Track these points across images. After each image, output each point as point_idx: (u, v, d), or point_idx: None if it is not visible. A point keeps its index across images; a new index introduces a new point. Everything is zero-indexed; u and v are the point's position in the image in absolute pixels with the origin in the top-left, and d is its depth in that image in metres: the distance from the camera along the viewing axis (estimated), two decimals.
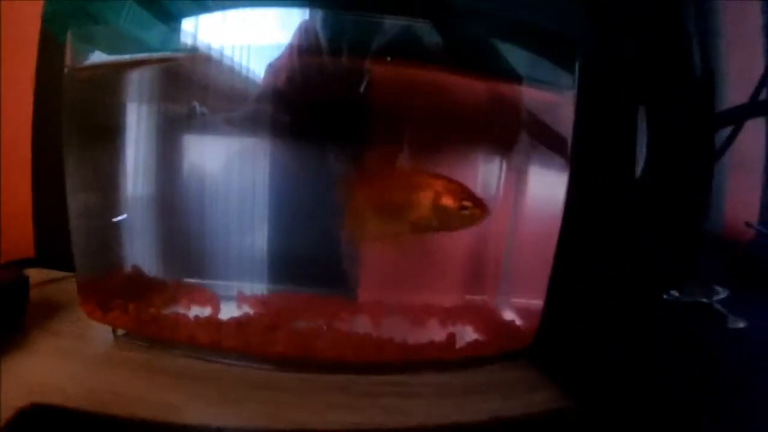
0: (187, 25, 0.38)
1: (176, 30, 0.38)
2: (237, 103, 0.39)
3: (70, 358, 0.34)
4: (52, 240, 0.57)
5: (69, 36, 0.39)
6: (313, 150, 0.42)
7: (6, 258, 0.54)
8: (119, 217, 0.43)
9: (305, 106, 0.40)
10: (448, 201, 0.35)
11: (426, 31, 0.37)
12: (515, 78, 0.39)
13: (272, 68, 0.38)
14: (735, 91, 0.57)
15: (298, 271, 0.42)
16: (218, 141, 0.43)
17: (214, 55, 0.38)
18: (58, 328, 0.38)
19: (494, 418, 0.28)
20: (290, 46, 0.37)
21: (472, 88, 0.41)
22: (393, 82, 0.40)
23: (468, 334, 0.38)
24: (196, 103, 0.39)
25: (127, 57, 0.40)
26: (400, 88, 0.40)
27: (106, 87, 0.41)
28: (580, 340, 0.38)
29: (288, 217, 0.43)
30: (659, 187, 0.46)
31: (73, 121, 0.40)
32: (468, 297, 0.45)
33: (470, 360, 0.35)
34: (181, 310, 0.38)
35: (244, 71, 0.38)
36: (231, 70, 0.38)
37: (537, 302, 0.38)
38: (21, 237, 0.59)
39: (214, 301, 0.40)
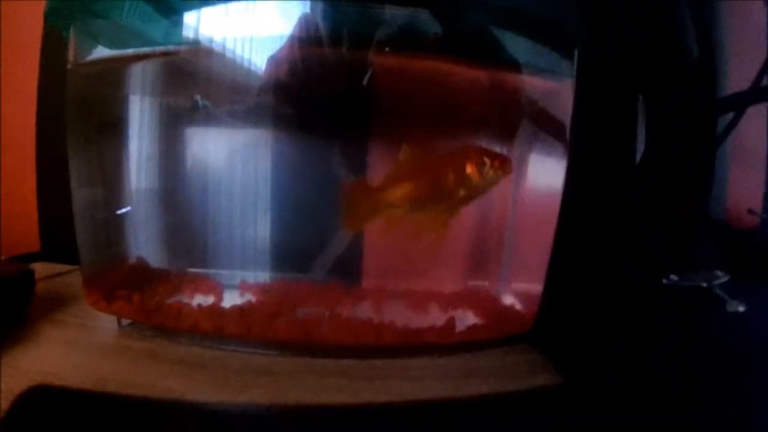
0: (189, 18, 0.38)
1: (178, 23, 0.38)
2: (239, 96, 0.40)
3: (75, 347, 0.34)
4: (56, 234, 0.57)
5: (72, 31, 0.40)
6: (315, 140, 0.42)
7: (12, 252, 0.54)
8: (123, 210, 0.43)
9: (306, 98, 0.40)
10: (468, 165, 0.34)
11: (426, 21, 0.37)
12: (515, 66, 0.39)
13: (274, 60, 0.39)
14: (738, 77, 0.57)
15: (300, 260, 0.43)
16: (220, 133, 0.43)
17: (216, 47, 0.38)
18: (63, 319, 0.39)
19: (487, 394, 0.28)
20: (291, 38, 0.38)
21: (472, 76, 0.41)
22: (394, 71, 0.40)
23: (468, 318, 0.39)
24: (198, 97, 0.40)
25: (129, 51, 0.40)
26: (401, 78, 0.41)
27: (109, 81, 0.42)
28: (580, 324, 0.38)
29: (290, 206, 0.43)
30: (658, 172, 0.46)
31: (77, 116, 0.41)
32: (470, 283, 0.45)
33: (470, 344, 0.36)
34: (185, 299, 0.39)
35: (245, 63, 0.39)
36: (233, 62, 0.38)
37: (538, 287, 0.39)
38: (26, 232, 0.59)
39: (218, 289, 0.41)
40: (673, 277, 0.42)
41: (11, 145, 0.60)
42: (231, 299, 0.39)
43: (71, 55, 0.39)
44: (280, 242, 0.43)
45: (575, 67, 0.38)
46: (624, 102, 0.44)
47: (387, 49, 0.37)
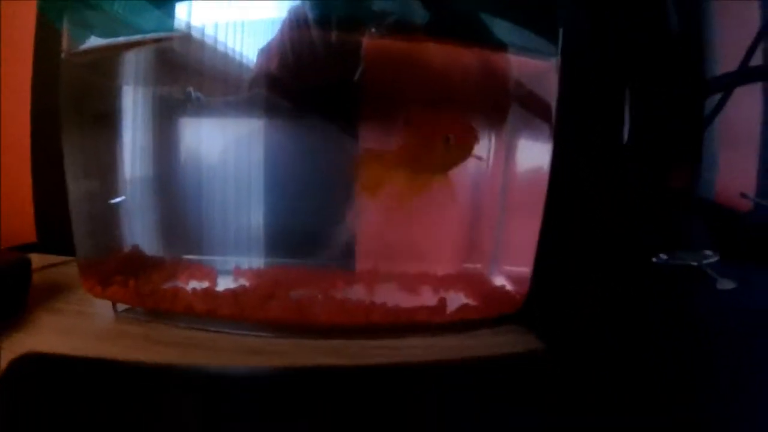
0: (180, 7, 0.39)
1: (169, 13, 0.38)
2: (230, 85, 0.40)
3: (72, 334, 0.35)
4: (53, 226, 0.58)
5: (65, 21, 0.40)
6: (306, 127, 0.43)
7: (8, 244, 0.55)
8: (117, 200, 0.44)
9: (297, 85, 0.40)
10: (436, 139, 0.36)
11: (414, 6, 0.37)
12: (500, 46, 0.39)
13: (264, 49, 0.39)
14: (727, 57, 0.57)
15: (294, 245, 0.43)
16: (213, 122, 0.44)
17: (208, 36, 0.39)
18: (60, 307, 0.39)
19: (474, 357, 0.29)
20: (281, 28, 0.38)
21: (459, 58, 0.41)
22: (383, 56, 0.40)
23: (459, 299, 0.39)
24: (190, 88, 0.40)
25: (121, 40, 0.41)
26: (390, 62, 0.41)
27: (103, 71, 0.42)
28: (570, 303, 0.39)
29: (283, 192, 0.44)
30: (646, 151, 0.47)
31: (71, 106, 0.41)
32: (462, 265, 0.45)
33: (461, 324, 0.36)
34: (180, 285, 0.39)
35: (237, 52, 0.39)
36: (225, 51, 0.39)
37: (528, 268, 0.39)
38: (23, 223, 0.60)
39: (212, 275, 0.41)
40: (663, 256, 0.43)
41: (6, 138, 0.61)
42: (225, 284, 0.40)
43: (64, 45, 0.40)
44: (273, 228, 0.44)
45: (560, 46, 0.39)
46: (610, 82, 0.45)
47: (374, 31, 0.37)
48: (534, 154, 0.42)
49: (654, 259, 0.42)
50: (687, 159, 0.51)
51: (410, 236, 0.43)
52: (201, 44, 0.39)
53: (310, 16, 0.37)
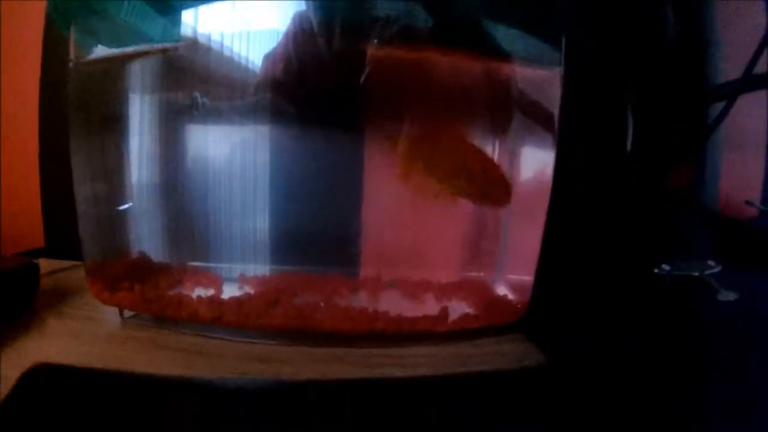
0: (186, 16, 0.39)
1: (176, 21, 0.39)
2: (236, 89, 0.41)
3: (79, 338, 0.36)
4: (60, 231, 0.59)
5: (72, 29, 0.41)
6: (310, 135, 0.43)
7: (16, 249, 0.56)
8: (124, 206, 0.44)
9: (302, 91, 0.41)
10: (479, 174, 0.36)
11: (418, 13, 0.38)
12: (505, 56, 0.40)
13: (269, 56, 0.40)
14: (732, 62, 0.57)
15: (299, 252, 0.44)
16: (218, 130, 0.44)
17: (214, 43, 0.39)
18: (67, 312, 0.40)
19: (474, 372, 0.29)
20: (286, 34, 0.39)
21: (465, 66, 0.42)
22: (387, 63, 0.41)
23: (462, 308, 0.39)
24: (197, 93, 0.40)
25: (129, 50, 0.41)
26: (396, 70, 0.41)
27: (110, 78, 0.43)
28: (571, 313, 0.39)
29: (287, 200, 0.44)
30: (649, 160, 0.47)
31: (79, 113, 0.42)
32: (466, 273, 0.46)
33: (463, 333, 0.37)
34: (186, 292, 0.40)
35: (243, 59, 0.40)
36: (230, 56, 0.39)
37: (530, 277, 0.40)
38: (30, 229, 0.61)
39: (217, 282, 0.42)
40: (665, 266, 0.43)
41: (14, 144, 0.62)
42: (230, 291, 0.40)
43: (72, 53, 0.40)
44: (278, 234, 0.44)
45: (563, 55, 0.39)
46: (613, 90, 0.45)
47: (377, 41, 0.38)
48: (537, 162, 0.42)
49: (656, 270, 0.42)
50: (689, 165, 0.51)
51: (414, 243, 0.43)
52: (207, 51, 0.40)
53: (314, 21, 0.38)
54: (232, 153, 0.45)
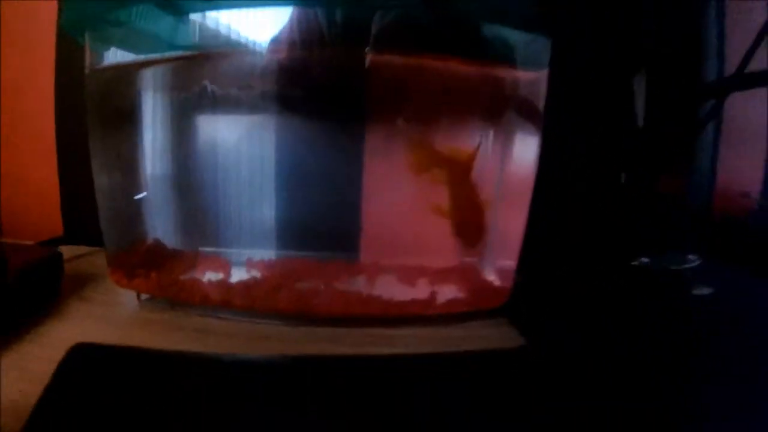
0: (198, 20, 0.42)
1: (188, 25, 0.42)
2: (244, 77, 0.43)
3: (101, 321, 0.39)
4: (78, 219, 0.62)
5: (87, 39, 0.44)
6: (313, 127, 0.46)
7: (35, 237, 0.59)
8: (139, 196, 0.48)
9: (306, 77, 0.44)
10: None
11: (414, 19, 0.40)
12: (494, 58, 0.42)
13: (275, 40, 0.42)
14: (724, 59, 0.59)
15: (302, 238, 0.47)
16: (226, 123, 0.47)
17: (223, 36, 0.42)
18: (89, 296, 0.44)
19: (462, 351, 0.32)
20: (290, 19, 0.41)
21: (457, 69, 0.44)
22: (388, 65, 0.43)
23: (450, 292, 0.43)
24: (206, 82, 0.43)
25: (141, 58, 0.44)
26: (395, 72, 0.44)
27: (124, 82, 0.46)
28: (550, 299, 0.42)
29: (293, 189, 0.47)
30: (636, 154, 0.49)
31: (96, 115, 0.44)
32: (458, 259, 0.49)
33: (452, 316, 0.40)
34: (197, 276, 0.43)
35: (250, 45, 0.42)
36: (238, 45, 0.42)
37: (515, 264, 0.43)
38: (49, 218, 0.64)
39: (227, 267, 0.45)
40: (644, 259, 0.45)
41: (32, 136, 0.65)
42: (238, 275, 0.43)
43: (87, 61, 0.43)
44: (284, 221, 0.47)
45: (549, 57, 0.42)
46: (598, 85, 0.47)
47: (368, 49, 0.40)
48: (525, 154, 0.45)
49: (634, 263, 0.44)
50: (679, 163, 0.53)
51: (411, 230, 0.46)
52: (216, 54, 0.42)
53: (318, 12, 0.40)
54: (239, 145, 0.47)
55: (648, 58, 0.50)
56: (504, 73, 0.44)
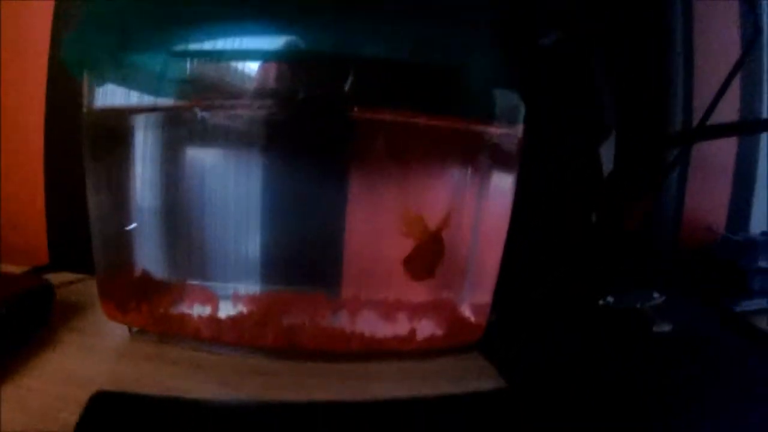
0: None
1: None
2: (233, 97, 0.45)
3: (93, 353, 0.40)
4: (65, 246, 0.63)
5: (86, 75, 0.45)
6: (298, 166, 0.48)
7: (18, 263, 0.60)
8: (130, 227, 0.49)
9: (289, 132, 0.46)
10: None
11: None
12: (468, 114, 0.46)
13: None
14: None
15: (287, 272, 0.49)
16: (214, 158, 0.49)
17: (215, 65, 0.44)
18: (79, 327, 0.45)
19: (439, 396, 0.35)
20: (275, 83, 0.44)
21: (438, 125, 0.47)
22: (370, 117, 0.46)
23: (429, 327, 0.45)
24: (197, 108, 0.45)
25: (135, 104, 0.46)
26: (376, 122, 0.46)
27: (118, 120, 0.48)
28: (524, 336, 0.44)
29: (278, 225, 0.49)
30: (602, 199, 0.52)
31: (92, 152, 0.46)
32: (436, 295, 0.51)
33: (428, 351, 0.42)
34: (186, 309, 0.45)
35: (240, 72, 0.44)
36: (229, 70, 0.44)
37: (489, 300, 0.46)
38: (33, 245, 0.65)
39: (214, 300, 0.47)
40: (609, 298, 0.48)
41: (18, 163, 0.65)
42: (225, 308, 0.45)
43: (85, 99, 0.45)
44: (268, 255, 0.49)
45: (522, 115, 0.45)
46: (570, 133, 0.51)
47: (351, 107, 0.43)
48: (501, 197, 0.48)
49: (601, 302, 0.47)
50: (644, 205, 0.56)
51: (390, 266, 0.49)
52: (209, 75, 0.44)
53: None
54: (226, 185, 0.50)
55: (618, 108, 0.54)
56: (479, 127, 0.47)
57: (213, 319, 0.43)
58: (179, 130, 0.48)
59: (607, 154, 0.52)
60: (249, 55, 0.44)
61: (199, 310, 0.44)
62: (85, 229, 0.47)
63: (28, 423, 0.30)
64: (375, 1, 0.40)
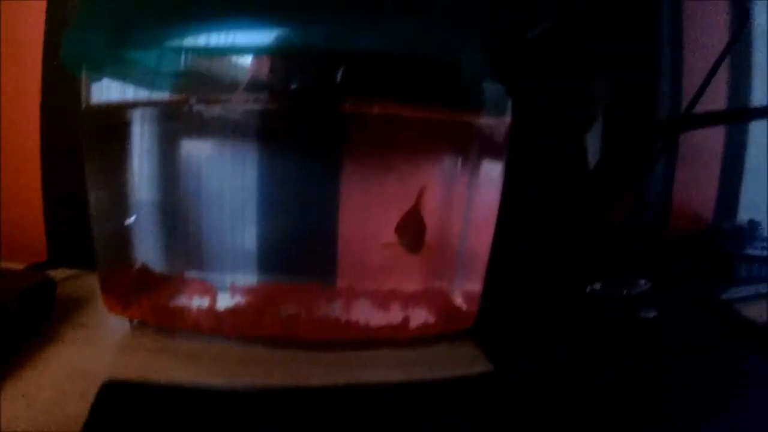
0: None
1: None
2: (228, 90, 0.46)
3: (96, 346, 0.42)
4: (64, 242, 0.64)
5: (84, 72, 0.46)
6: (292, 158, 0.49)
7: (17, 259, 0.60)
8: (129, 221, 0.50)
9: (284, 125, 0.47)
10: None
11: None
12: (457, 105, 0.47)
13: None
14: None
15: (284, 263, 0.50)
16: (210, 152, 0.50)
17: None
18: (81, 321, 0.46)
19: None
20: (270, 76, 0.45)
21: (428, 116, 0.48)
22: (362, 109, 0.47)
23: (422, 315, 0.46)
24: (192, 101, 0.45)
25: (132, 99, 0.47)
26: (368, 114, 0.47)
27: (117, 116, 0.48)
28: (514, 323, 0.46)
29: (274, 217, 0.51)
30: (591, 187, 0.54)
31: (91, 148, 0.47)
32: (429, 283, 0.53)
33: (421, 338, 0.44)
34: (185, 301, 0.46)
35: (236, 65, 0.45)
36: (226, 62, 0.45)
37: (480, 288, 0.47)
38: (30, 242, 0.66)
39: (212, 292, 0.48)
40: (596, 285, 0.49)
41: (14, 156, 0.66)
42: (223, 299, 0.46)
43: (83, 97, 0.46)
44: (264, 246, 0.50)
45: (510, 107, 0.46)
46: (558, 122, 0.52)
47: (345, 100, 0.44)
48: (491, 185, 0.49)
49: (588, 289, 0.48)
50: (630, 194, 0.57)
51: (385, 256, 0.50)
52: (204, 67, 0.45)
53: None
54: (222, 177, 0.51)
55: (605, 97, 0.55)
56: (468, 118, 0.48)
57: (212, 311, 0.44)
58: (176, 124, 0.49)
59: (593, 144, 0.53)
60: (244, 50, 0.45)
61: (198, 303, 0.45)
62: (83, 224, 0.48)
63: (35, 417, 0.30)
64: None
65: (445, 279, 0.52)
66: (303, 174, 0.50)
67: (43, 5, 0.62)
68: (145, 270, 0.49)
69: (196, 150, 0.50)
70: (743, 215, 0.72)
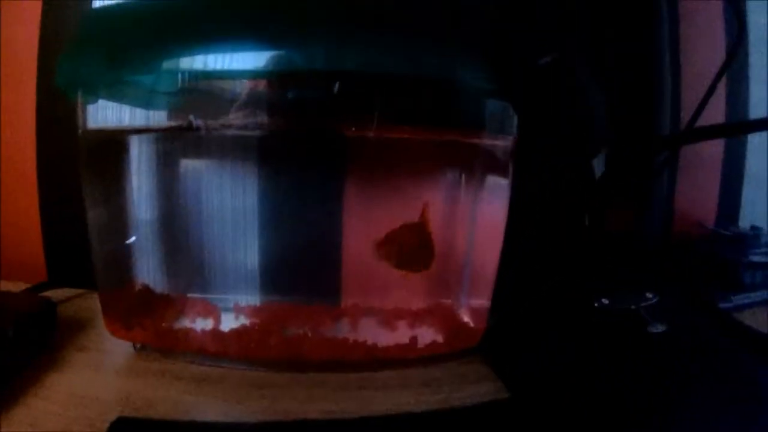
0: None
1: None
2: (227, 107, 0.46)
3: (99, 371, 0.41)
4: (63, 263, 0.64)
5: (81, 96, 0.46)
6: (296, 178, 0.49)
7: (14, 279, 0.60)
8: (129, 240, 0.50)
9: (287, 147, 0.47)
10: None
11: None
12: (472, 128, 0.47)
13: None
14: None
15: (286, 284, 0.50)
16: (212, 172, 0.50)
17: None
18: (83, 344, 0.45)
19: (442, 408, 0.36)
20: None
21: (432, 137, 0.48)
22: (364, 132, 0.47)
23: (429, 334, 0.46)
24: (191, 117, 0.45)
25: (130, 124, 0.47)
26: (370, 136, 0.47)
27: (115, 142, 0.48)
28: (522, 339, 0.45)
29: (277, 237, 0.50)
30: (595, 203, 0.53)
31: (89, 171, 0.47)
32: (435, 300, 0.52)
33: (429, 358, 0.43)
34: (189, 323, 0.46)
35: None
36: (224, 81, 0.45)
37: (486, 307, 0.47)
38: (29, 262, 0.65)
39: (216, 312, 0.47)
40: (604, 300, 0.48)
41: (14, 179, 0.65)
42: (227, 320, 0.46)
43: (80, 121, 0.45)
44: (268, 267, 0.50)
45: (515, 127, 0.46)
46: (558, 148, 0.51)
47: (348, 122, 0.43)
48: (496, 204, 0.49)
49: (596, 304, 0.48)
50: (636, 206, 0.57)
51: (389, 275, 0.49)
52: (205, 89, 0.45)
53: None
54: (224, 199, 0.50)
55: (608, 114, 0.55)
56: (473, 139, 0.48)
57: (216, 333, 0.44)
58: (176, 146, 0.49)
59: (597, 159, 0.53)
60: (242, 73, 0.44)
61: (201, 324, 0.45)
62: (81, 245, 0.47)
63: None
64: (369, 17, 0.40)
65: (452, 296, 0.51)
66: (306, 194, 0.50)
67: (35, 30, 0.62)
68: (146, 291, 0.49)
69: (197, 171, 0.50)
70: (745, 221, 0.72)
